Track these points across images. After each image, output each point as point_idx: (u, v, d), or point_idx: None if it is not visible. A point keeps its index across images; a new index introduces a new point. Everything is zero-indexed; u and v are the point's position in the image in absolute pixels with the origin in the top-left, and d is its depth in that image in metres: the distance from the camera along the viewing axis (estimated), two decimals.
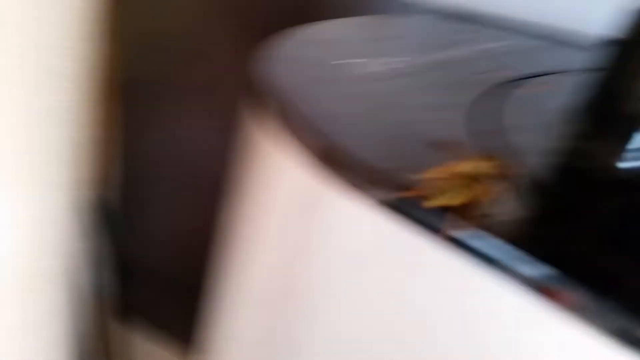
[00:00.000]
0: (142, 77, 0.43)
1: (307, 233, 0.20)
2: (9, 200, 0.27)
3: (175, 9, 0.40)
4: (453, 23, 0.32)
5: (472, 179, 0.16)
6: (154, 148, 0.46)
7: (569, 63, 0.28)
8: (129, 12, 0.39)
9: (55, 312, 0.32)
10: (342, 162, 0.18)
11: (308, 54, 0.25)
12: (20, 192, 0.27)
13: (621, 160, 0.19)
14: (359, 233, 0.19)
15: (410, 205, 0.17)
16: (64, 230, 0.30)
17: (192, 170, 0.44)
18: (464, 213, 0.16)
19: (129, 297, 0.47)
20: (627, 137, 0.19)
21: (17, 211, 0.27)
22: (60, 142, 0.28)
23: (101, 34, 0.27)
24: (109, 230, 0.45)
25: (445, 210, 0.16)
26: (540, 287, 0.15)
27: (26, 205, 0.28)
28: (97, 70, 0.27)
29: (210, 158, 0.42)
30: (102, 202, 0.42)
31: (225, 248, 0.27)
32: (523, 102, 0.24)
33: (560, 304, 0.15)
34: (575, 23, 0.31)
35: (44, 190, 0.28)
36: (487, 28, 0.32)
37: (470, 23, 0.32)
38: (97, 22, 0.26)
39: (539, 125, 0.22)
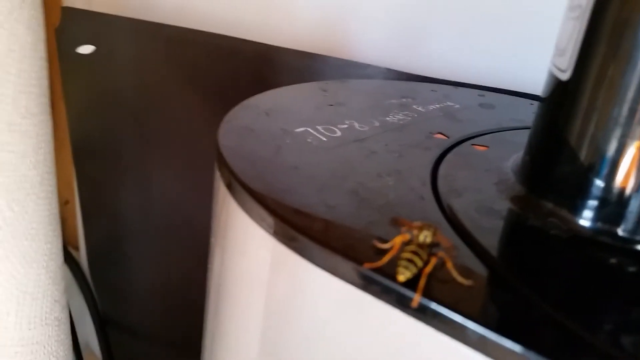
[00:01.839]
0: (99, 138, 0.44)
1: (277, 298, 0.21)
2: None
3: (129, 69, 0.41)
4: (404, 84, 0.33)
5: (422, 248, 0.17)
6: (119, 206, 0.47)
7: (519, 120, 0.29)
8: (80, 73, 0.41)
9: None
10: (297, 235, 0.18)
11: (263, 123, 0.25)
12: (5, 266, 0.27)
13: (579, 216, 0.20)
14: (323, 300, 0.19)
15: (371, 276, 0.17)
16: (49, 297, 0.31)
17: (161, 226, 0.45)
18: (418, 283, 0.16)
19: (115, 356, 0.46)
20: (582, 193, 0.20)
21: (2, 283, 0.28)
22: (36, 213, 0.28)
23: (50, 103, 0.27)
24: (83, 291, 0.45)
25: (406, 282, 0.16)
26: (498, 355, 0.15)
27: (12, 275, 0.28)
28: (49, 139, 0.28)
29: (178, 213, 0.43)
30: (72, 265, 0.43)
31: (208, 303, 0.27)
32: (474, 161, 0.24)
33: None
34: (519, 83, 0.33)
35: (28, 260, 0.28)
36: (435, 87, 0.33)
37: (421, 82, 0.33)
38: (44, 96, 0.26)
39: (489, 185, 0.22)
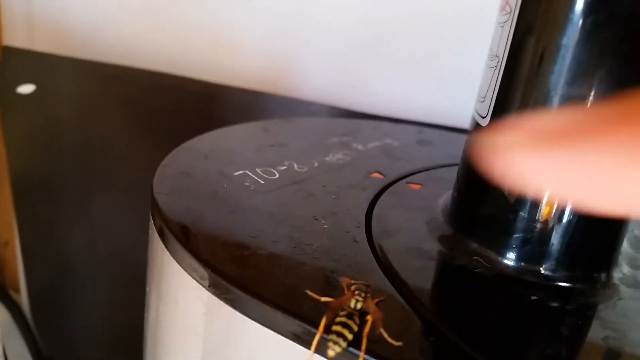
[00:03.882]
0: (39, 178, 0.43)
1: (214, 349, 0.20)
2: None
3: (70, 108, 0.41)
4: (346, 121, 0.34)
5: (352, 318, 0.17)
6: (61, 247, 0.46)
7: (455, 157, 0.30)
8: (18, 109, 0.40)
9: None
10: (230, 288, 0.18)
11: (201, 167, 0.25)
12: None
13: (503, 256, 0.20)
14: (261, 353, 0.19)
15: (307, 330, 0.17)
16: None
17: (106, 265, 0.44)
18: (356, 344, 0.16)
19: None
20: (505, 233, 0.20)
21: None
22: None
23: None
24: (25, 335, 0.43)
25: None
26: None
27: None
28: None
29: (123, 253, 0.42)
30: (12, 307, 0.41)
31: (145, 352, 0.26)
32: (408, 200, 0.25)
33: None
34: (458, 119, 0.34)
35: None
36: (376, 124, 0.34)
37: (363, 119, 0.34)
38: None
39: (421, 225, 0.23)
